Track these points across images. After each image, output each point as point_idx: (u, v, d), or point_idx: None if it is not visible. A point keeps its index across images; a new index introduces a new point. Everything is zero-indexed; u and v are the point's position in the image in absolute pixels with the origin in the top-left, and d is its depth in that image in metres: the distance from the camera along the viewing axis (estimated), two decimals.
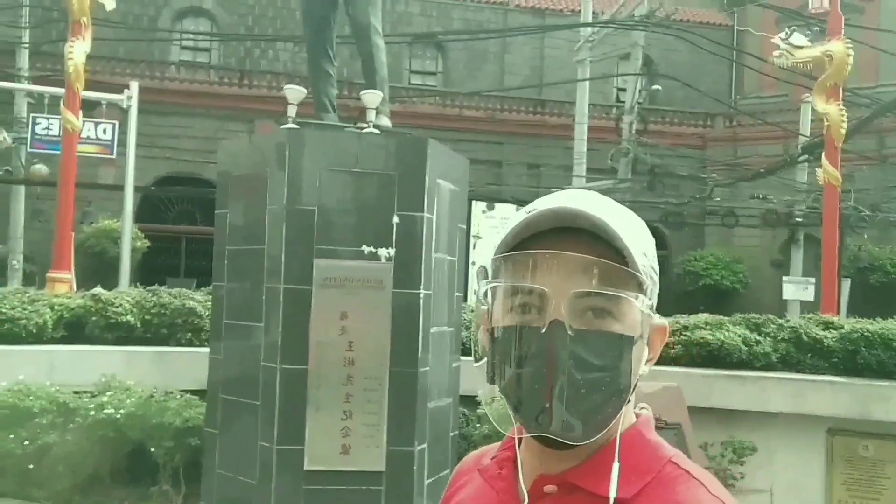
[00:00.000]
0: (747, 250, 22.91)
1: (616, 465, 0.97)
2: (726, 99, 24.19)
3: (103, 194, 19.90)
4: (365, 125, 4.33)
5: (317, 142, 4.20)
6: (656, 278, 1.03)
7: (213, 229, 4.68)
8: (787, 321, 6.60)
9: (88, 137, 15.98)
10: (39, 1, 19.74)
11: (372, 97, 4.32)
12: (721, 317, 6.56)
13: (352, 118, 4.71)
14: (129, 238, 15.48)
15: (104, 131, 16.38)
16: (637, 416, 1.07)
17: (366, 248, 4.13)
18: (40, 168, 17.33)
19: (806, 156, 14.92)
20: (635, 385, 0.99)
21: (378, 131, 4.29)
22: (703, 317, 6.57)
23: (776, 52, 9.92)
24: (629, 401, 1.00)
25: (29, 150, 16.73)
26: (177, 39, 24.58)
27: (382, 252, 4.13)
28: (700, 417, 5.46)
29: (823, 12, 11.08)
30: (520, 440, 1.05)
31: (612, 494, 0.96)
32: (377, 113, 4.40)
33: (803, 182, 17.73)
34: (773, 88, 22.18)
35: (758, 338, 6.21)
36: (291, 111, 4.25)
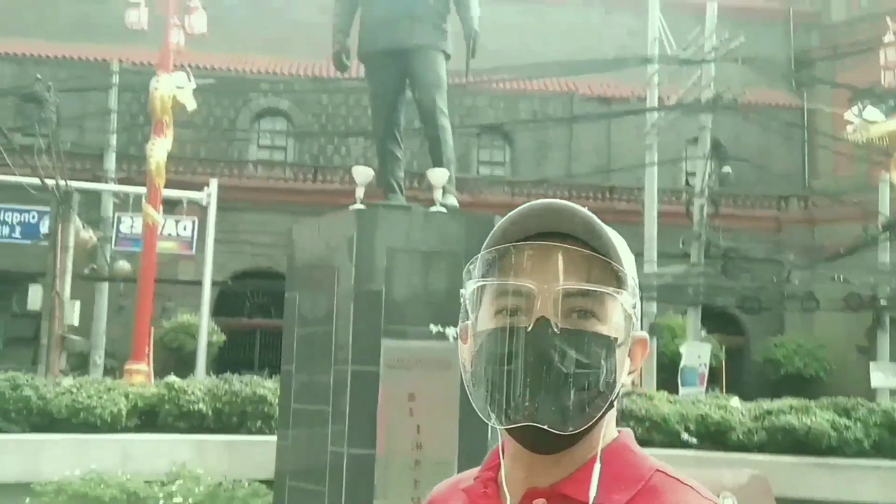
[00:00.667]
0: (830, 336, 21.98)
1: (597, 467, 0.99)
2: (799, 180, 23.75)
3: (183, 290, 20.41)
4: (432, 205, 4.35)
5: (384, 222, 4.23)
6: (637, 291, 1.07)
7: None
8: (879, 404, 6.24)
9: (169, 234, 16.58)
10: (128, 107, 20.83)
11: (438, 175, 4.35)
12: (807, 400, 6.24)
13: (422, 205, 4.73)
14: (206, 332, 15.81)
15: (184, 228, 16.98)
16: (619, 431, 1.08)
17: (434, 328, 4.08)
18: (123, 265, 17.94)
19: (887, 234, 14.43)
20: (619, 391, 1.01)
21: (445, 210, 4.31)
22: (787, 401, 6.27)
23: (850, 128, 9.74)
24: (613, 406, 1.01)
25: (113, 247, 17.40)
26: (254, 138, 25.54)
27: (450, 331, 4.08)
28: None
29: None
30: (503, 454, 1.06)
31: (592, 494, 0.97)
32: (444, 192, 4.42)
33: (886, 262, 17.06)
34: (848, 168, 21.70)
35: (847, 423, 5.87)
36: (359, 192, 4.31)
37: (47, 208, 15.30)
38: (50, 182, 13.85)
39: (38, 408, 5.92)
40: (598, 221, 1.04)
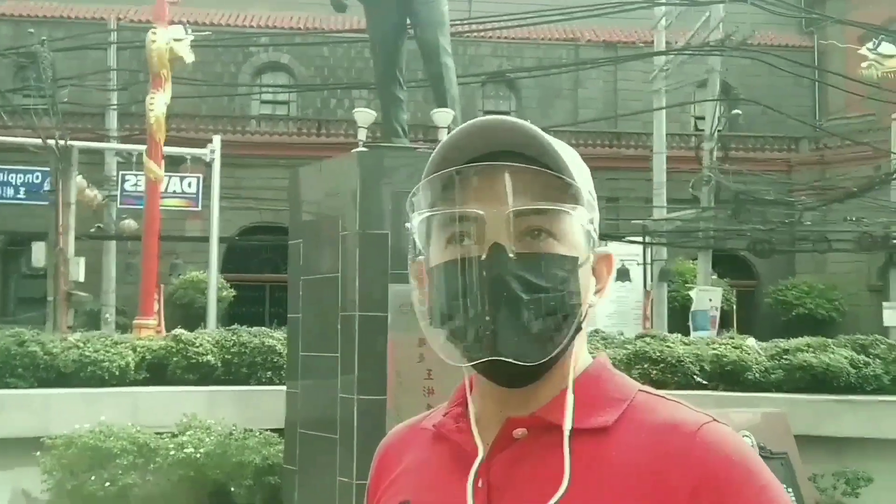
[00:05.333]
0: (842, 277, 21.89)
1: (570, 397, 0.95)
2: (810, 121, 23.42)
3: (190, 247, 20.41)
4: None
5: (388, 163, 4.10)
6: (595, 204, 1.00)
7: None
8: None
9: (174, 192, 16.51)
10: (128, 64, 20.56)
11: (443, 116, 4.21)
12: (824, 339, 6.15)
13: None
14: (215, 288, 15.78)
15: (189, 185, 16.89)
16: (593, 357, 1.04)
17: None
18: (129, 223, 17.91)
19: None
20: (586, 313, 0.97)
21: None
22: (804, 339, 6.17)
23: (864, 64, 9.49)
24: (581, 329, 0.97)
25: (119, 206, 17.33)
26: (256, 93, 25.29)
27: None
28: (808, 447, 5.05)
29: None
30: (471, 390, 1.02)
31: (568, 422, 0.93)
32: (449, 132, 4.28)
33: None
34: (859, 108, 21.33)
35: (866, 359, 5.78)
36: (362, 134, 4.17)
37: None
38: (51, 141, 13.74)
39: (44, 363, 5.87)
40: (544, 134, 0.96)
